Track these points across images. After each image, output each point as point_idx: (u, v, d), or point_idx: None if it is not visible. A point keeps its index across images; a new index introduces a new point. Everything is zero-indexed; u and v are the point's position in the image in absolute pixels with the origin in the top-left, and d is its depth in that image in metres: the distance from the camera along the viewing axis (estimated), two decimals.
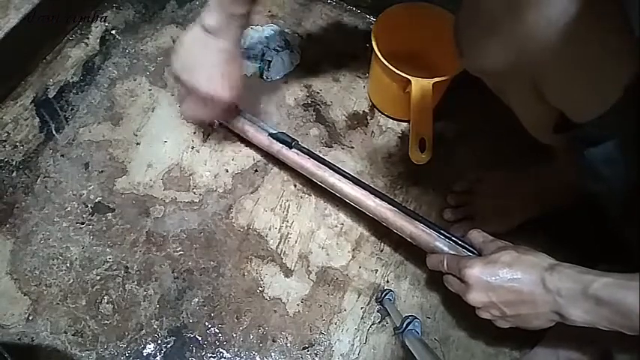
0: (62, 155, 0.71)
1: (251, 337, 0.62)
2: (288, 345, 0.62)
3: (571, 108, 0.40)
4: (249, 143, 0.73)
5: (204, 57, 0.58)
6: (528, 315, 0.46)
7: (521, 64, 0.38)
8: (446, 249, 0.55)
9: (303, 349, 0.62)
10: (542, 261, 0.45)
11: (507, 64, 0.39)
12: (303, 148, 0.65)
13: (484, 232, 0.55)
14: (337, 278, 0.66)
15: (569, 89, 0.38)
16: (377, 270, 0.67)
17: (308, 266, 0.66)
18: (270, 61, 0.78)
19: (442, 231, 0.56)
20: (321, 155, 0.65)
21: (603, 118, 0.38)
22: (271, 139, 0.66)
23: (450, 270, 0.52)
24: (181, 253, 0.66)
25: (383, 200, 0.60)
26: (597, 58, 0.35)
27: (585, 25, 0.33)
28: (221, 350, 0.61)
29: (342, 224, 0.69)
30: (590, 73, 0.36)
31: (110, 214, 0.68)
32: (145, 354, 0.60)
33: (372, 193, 0.60)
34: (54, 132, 0.73)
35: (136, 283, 0.64)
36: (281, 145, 0.65)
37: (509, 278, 0.45)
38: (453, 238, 0.55)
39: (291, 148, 0.65)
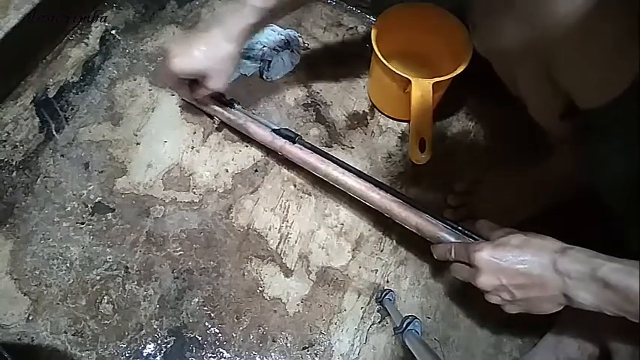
0: (62, 155, 0.71)
1: (251, 337, 0.62)
2: (288, 345, 0.62)
3: (579, 91, 0.40)
4: (250, 142, 0.73)
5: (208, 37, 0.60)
6: (538, 298, 0.45)
7: (535, 42, 0.38)
8: (452, 239, 0.55)
9: (303, 349, 0.62)
10: (553, 244, 0.45)
11: (522, 42, 0.39)
12: (307, 142, 0.65)
13: (491, 222, 0.54)
14: (337, 278, 0.66)
15: (579, 71, 0.38)
16: (377, 270, 0.67)
17: (308, 266, 0.66)
18: (270, 61, 0.78)
19: (448, 221, 0.56)
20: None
21: (609, 107, 0.37)
22: (274, 134, 0.66)
23: (458, 257, 0.51)
24: (181, 253, 0.66)
25: (387, 192, 0.59)
26: (610, 45, 0.35)
27: (603, 10, 0.34)
28: (221, 350, 0.61)
29: (342, 224, 0.69)
30: (601, 57, 0.36)
31: (110, 214, 0.68)
32: (145, 354, 0.60)
33: (376, 186, 0.60)
34: (54, 132, 0.73)
35: (136, 283, 0.64)
36: (284, 140, 0.65)
37: (520, 260, 0.45)
38: (459, 228, 0.55)
39: (294, 143, 0.65)
